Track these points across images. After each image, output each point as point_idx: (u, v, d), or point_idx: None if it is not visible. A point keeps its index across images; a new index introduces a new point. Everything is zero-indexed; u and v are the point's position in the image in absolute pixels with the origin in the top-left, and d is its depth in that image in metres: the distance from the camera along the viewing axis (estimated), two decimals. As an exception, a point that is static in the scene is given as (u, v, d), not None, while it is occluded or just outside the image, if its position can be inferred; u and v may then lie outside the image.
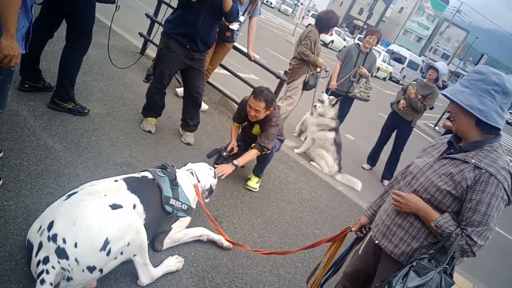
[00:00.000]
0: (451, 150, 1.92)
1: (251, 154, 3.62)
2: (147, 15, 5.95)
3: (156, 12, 5.98)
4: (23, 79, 3.51)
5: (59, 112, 3.46)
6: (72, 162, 2.96)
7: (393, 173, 6.10)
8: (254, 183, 3.89)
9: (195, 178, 2.83)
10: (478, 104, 1.75)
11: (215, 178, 3.04)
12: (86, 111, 3.63)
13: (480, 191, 1.73)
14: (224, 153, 3.69)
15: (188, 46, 3.73)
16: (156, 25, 5.90)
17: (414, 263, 1.80)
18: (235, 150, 3.78)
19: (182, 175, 2.72)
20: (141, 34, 6.05)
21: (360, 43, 5.92)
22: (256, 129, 3.78)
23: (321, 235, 3.62)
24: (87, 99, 3.97)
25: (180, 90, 5.10)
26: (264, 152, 3.66)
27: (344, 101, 5.77)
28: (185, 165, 2.96)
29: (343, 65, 5.85)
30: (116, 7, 3.44)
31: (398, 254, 1.94)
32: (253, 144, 3.65)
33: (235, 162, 3.48)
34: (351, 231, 2.38)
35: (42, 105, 3.45)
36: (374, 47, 5.91)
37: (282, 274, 2.91)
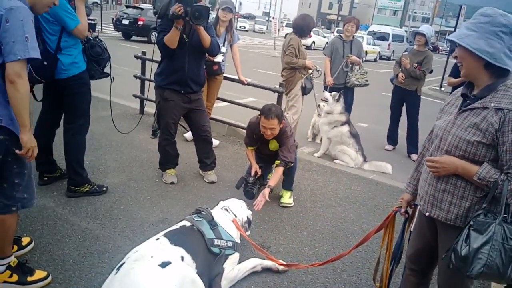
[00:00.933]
0: (468, 101, 1.88)
1: (279, 173, 3.63)
2: (136, 76, 6.09)
3: (143, 71, 6.12)
4: (40, 173, 3.58)
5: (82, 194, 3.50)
6: (110, 236, 2.97)
7: (416, 145, 6.02)
8: (287, 198, 3.86)
9: (231, 213, 2.83)
10: (486, 47, 1.73)
11: (248, 209, 3.04)
12: (104, 189, 3.62)
13: (510, 131, 1.69)
14: (250, 179, 3.69)
15: (182, 91, 3.78)
16: (147, 82, 6.04)
17: (471, 223, 1.73)
18: (259, 172, 3.78)
19: (218, 214, 2.72)
20: (135, 96, 6.19)
21: (341, 34, 5.97)
22: (273, 145, 3.78)
23: (370, 228, 3.53)
24: (105, 172, 4.03)
25: (188, 135, 5.15)
26: (288, 166, 3.65)
27: (345, 92, 5.77)
28: (217, 204, 2.96)
29: (332, 59, 5.89)
30: (111, 79, 3.51)
31: (453, 219, 1.88)
32: (277, 162, 3.65)
33: (271, 186, 3.52)
34: (396, 212, 2.31)
35: (65, 192, 3.50)
36: (355, 34, 5.96)
37: (346, 278, 2.84)
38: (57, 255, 2.69)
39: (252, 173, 3.75)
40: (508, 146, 1.70)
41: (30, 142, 2.11)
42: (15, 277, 2.35)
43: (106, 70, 3.44)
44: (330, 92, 5.62)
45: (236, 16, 43.07)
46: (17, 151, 2.10)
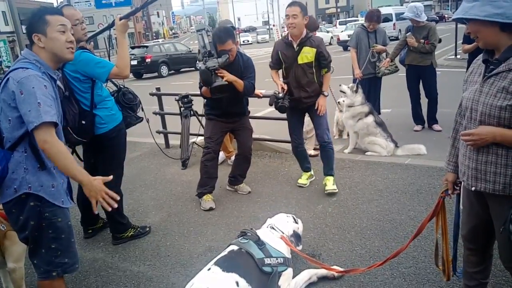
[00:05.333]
0: (491, 67, 1.84)
1: (328, 78, 4.04)
2: (155, 113, 6.18)
3: (161, 106, 6.23)
4: (84, 228, 3.66)
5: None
6: (163, 275, 3.01)
7: (435, 115, 6.05)
8: (331, 185, 4.00)
9: (278, 230, 2.80)
10: (494, 9, 1.71)
11: (296, 222, 3.00)
12: (148, 229, 3.65)
13: None
14: (280, 94, 3.86)
15: (224, 120, 4.01)
16: (167, 116, 6.20)
17: None
18: (285, 87, 3.90)
19: (264, 233, 2.71)
20: (158, 132, 6.28)
21: (364, 24, 5.95)
22: (304, 58, 3.90)
23: (418, 216, 3.45)
24: (145, 212, 4.10)
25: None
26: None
27: (374, 82, 5.84)
28: (264, 222, 2.95)
29: (358, 50, 5.88)
30: (148, 121, 3.64)
31: (501, 189, 1.82)
32: (324, 69, 3.97)
33: (324, 93, 3.97)
34: (444, 198, 2.23)
35: (111, 241, 3.56)
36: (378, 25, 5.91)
37: (404, 271, 2.76)
38: (117, 303, 2.74)
39: (280, 90, 3.89)
40: None
41: (94, 194, 2.02)
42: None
43: (139, 114, 3.54)
44: (358, 84, 5.57)
45: (237, 32, 43.56)
46: (93, 212, 2.09)
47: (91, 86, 3.06)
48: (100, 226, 3.75)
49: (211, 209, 3.98)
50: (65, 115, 2.72)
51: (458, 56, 13.31)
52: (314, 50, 3.86)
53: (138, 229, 3.61)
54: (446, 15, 41.17)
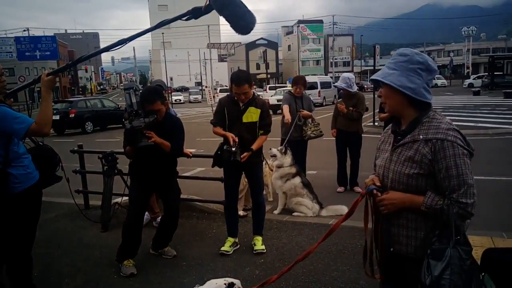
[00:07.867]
0: (398, 137, 1.99)
1: (262, 139, 4.01)
2: (75, 171, 5.85)
3: (82, 164, 5.93)
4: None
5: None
6: None
7: (356, 178, 6.44)
8: (260, 245, 3.99)
9: None
10: (408, 83, 1.86)
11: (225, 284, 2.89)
12: None
13: (442, 158, 1.79)
14: (233, 149, 3.74)
15: (150, 181, 3.86)
16: (88, 175, 5.88)
17: (428, 251, 1.78)
18: (236, 139, 3.80)
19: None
20: (78, 191, 5.91)
21: (291, 90, 6.26)
22: (249, 117, 3.94)
23: (341, 275, 3.53)
24: (59, 278, 3.74)
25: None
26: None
27: (300, 145, 6.06)
28: None
29: None
30: (68, 180, 3.44)
31: (413, 251, 1.92)
32: (261, 131, 3.99)
33: (250, 149, 3.85)
34: (371, 190, 2.01)
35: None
36: (304, 91, 6.24)
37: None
38: None
39: (231, 142, 3.77)
40: (444, 173, 1.79)
41: None
42: None
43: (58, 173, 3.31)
44: (285, 145, 5.77)
45: (169, 91, 43.85)
46: None
47: (6, 142, 2.82)
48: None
49: (132, 275, 3.73)
50: None
51: (376, 123, 14.54)
52: (259, 111, 3.98)
53: None
54: (365, 86, 45.23)
